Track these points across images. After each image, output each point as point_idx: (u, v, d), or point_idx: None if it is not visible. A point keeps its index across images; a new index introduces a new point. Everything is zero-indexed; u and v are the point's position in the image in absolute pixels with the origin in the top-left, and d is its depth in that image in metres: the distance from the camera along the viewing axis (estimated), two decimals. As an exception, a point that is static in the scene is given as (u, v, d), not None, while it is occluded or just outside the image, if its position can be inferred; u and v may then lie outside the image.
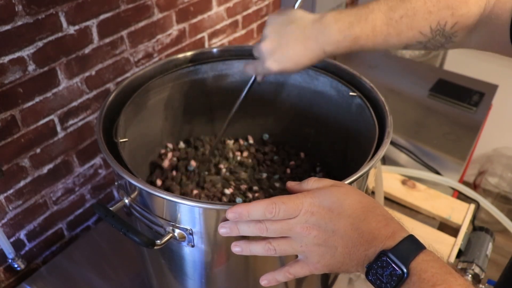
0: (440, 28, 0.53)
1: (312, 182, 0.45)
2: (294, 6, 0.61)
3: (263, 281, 0.47)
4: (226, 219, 0.45)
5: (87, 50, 0.80)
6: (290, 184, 0.47)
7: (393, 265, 0.37)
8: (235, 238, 0.46)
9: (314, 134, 0.79)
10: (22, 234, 0.81)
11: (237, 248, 0.46)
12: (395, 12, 0.52)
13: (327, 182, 0.45)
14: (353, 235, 0.41)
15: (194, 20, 1.04)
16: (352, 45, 0.54)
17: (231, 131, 0.85)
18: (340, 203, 0.42)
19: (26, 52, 0.69)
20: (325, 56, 0.56)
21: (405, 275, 0.37)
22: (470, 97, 1.33)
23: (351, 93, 0.66)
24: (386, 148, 0.54)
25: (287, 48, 0.56)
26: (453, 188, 1.00)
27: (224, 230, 0.45)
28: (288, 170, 0.80)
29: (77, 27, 0.76)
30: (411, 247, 0.39)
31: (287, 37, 0.56)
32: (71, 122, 0.82)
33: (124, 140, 0.59)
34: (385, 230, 0.40)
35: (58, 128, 0.80)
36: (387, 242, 0.39)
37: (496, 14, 0.50)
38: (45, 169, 0.81)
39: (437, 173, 1.07)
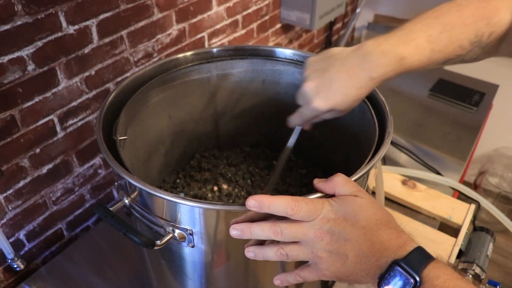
0: (478, 39, 0.53)
1: (339, 181, 0.45)
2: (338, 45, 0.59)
3: (277, 280, 0.49)
4: (235, 222, 0.45)
5: (86, 50, 0.79)
6: (317, 181, 0.47)
7: (405, 274, 0.39)
8: (236, 240, 0.46)
9: (318, 135, 0.79)
10: (21, 234, 0.81)
11: (250, 254, 0.46)
12: (433, 29, 0.52)
13: (351, 186, 0.45)
14: (364, 246, 0.42)
15: (194, 20, 1.03)
16: (398, 68, 0.51)
17: (233, 134, 0.85)
18: (356, 214, 0.43)
19: (25, 52, 0.69)
20: (373, 84, 0.52)
21: (418, 283, 0.38)
22: (471, 97, 1.33)
23: None
24: (386, 148, 0.54)
25: (332, 82, 0.52)
26: (453, 188, 1.00)
27: (235, 232, 0.45)
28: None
29: (76, 26, 0.76)
30: (421, 256, 0.40)
31: (329, 71, 0.52)
32: (70, 122, 0.82)
33: (123, 138, 0.59)
34: (396, 242, 0.41)
35: (58, 128, 0.80)
36: (398, 252, 0.40)
37: None
38: (44, 169, 0.80)
39: (438, 173, 1.07)
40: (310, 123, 0.61)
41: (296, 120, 0.60)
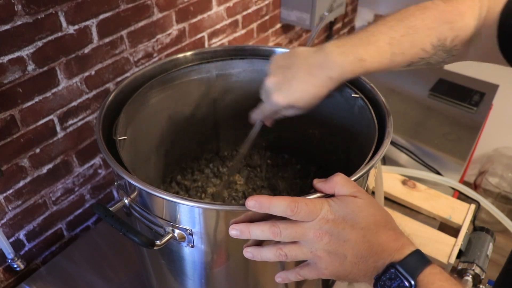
0: (440, 43, 0.53)
1: (338, 180, 0.45)
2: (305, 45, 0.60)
3: (278, 278, 0.49)
4: (234, 222, 0.45)
5: (86, 50, 0.79)
6: (317, 181, 0.47)
7: (401, 277, 0.39)
8: (236, 240, 0.46)
9: (318, 135, 0.79)
10: (21, 234, 0.81)
11: (248, 254, 0.46)
12: (396, 32, 0.52)
13: (351, 186, 0.45)
14: (363, 247, 0.42)
15: (194, 20, 1.03)
16: (358, 68, 0.53)
17: (233, 134, 0.85)
18: (355, 215, 0.43)
19: (25, 52, 0.69)
20: (332, 83, 0.54)
21: (413, 287, 0.38)
22: (471, 97, 1.33)
23: (353, 95, 0.66)
24: (386, 148, 0.54)
25: (292, 79, 0.54)
26: (453, 188, 1.00)
27: (234, 232, 0.45)
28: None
29: (76, 26, 0.76)
30: (418, 260, 0.40)
31: (291, 69, 0.55)
32: (70, 122, 0.82)
33: (123, 138, 0.59)
34: (394, 244, 0.41)
35: (58, 128, 0.80)
36: (395, 255, 0.40)
37: (487, 25, 0.52)
38: (44, 169, 0.80)
39: (438, 173, 1.07)
40: (271, 119, 0.63)
41: (257, 115, 0.63)
